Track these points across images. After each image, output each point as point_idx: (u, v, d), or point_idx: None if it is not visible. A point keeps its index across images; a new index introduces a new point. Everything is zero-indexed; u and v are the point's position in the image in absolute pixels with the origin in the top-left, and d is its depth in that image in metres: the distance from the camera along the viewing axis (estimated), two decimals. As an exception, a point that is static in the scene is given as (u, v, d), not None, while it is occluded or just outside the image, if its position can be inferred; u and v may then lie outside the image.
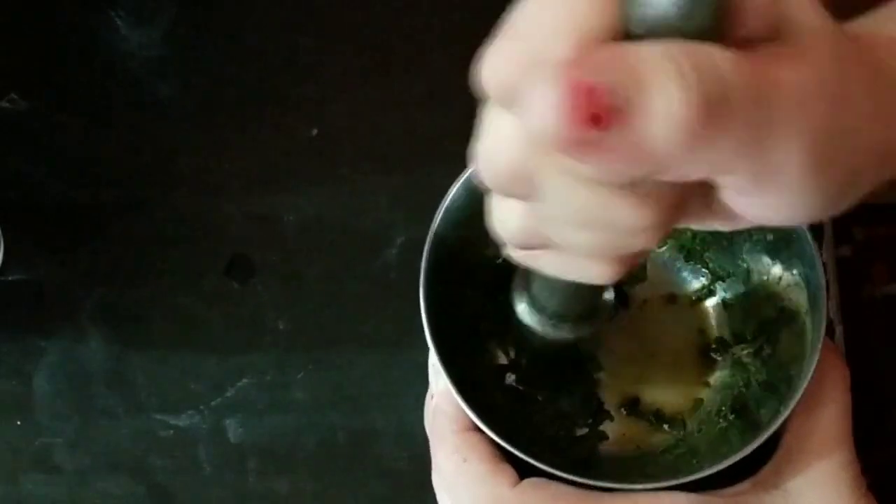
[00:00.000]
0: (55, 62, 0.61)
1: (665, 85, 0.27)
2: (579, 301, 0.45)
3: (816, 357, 0.43)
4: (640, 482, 0.43)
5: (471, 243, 0.48)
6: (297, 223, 0.58)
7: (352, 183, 0.59)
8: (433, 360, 0.45)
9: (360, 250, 0.58)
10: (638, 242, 0.31)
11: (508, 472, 0.44)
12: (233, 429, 0.55)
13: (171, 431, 0.55)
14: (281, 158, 0.59)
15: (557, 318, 0.46)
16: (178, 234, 0.58)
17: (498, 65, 0.30)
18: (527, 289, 0.46)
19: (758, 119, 0.28)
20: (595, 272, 0.33)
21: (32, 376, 0.56)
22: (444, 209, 0.47)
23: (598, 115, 0.26)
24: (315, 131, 0.60)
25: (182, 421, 0.55)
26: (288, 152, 0.60)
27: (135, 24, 0.61)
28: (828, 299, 0.45)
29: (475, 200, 0.47)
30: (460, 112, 0.59)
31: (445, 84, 0.60)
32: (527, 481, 0.44)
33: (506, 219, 0.34)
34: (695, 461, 0.47)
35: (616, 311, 0.49)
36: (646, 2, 0.27)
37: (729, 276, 0.50)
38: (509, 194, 0.32)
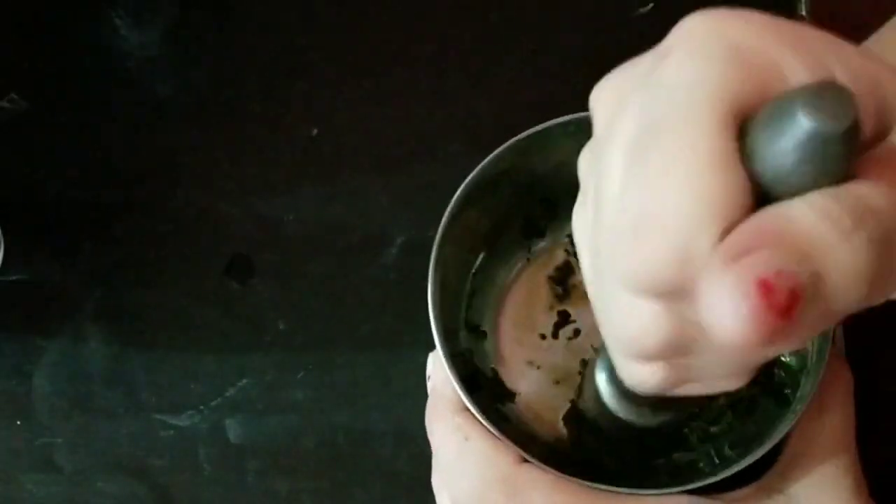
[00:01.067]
0: (55, 62, 0.61)
1: (837, 250, 0.26)
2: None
3: (824, 363, 0.43)
4: (645, 486, 0.43)
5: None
6: (297, 223, 0.58)
7: (352, 183, 0.59)
8: (435, 336, 0.45)
9: (360, 250, 0.58)
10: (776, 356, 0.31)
11: (512, 449, 0.43)
12: (233, 429, 0.55)
13: (171, 431, 0.55)
14: (281, 158, 0.59)
15: (650, 406, 0.45)
16: (178, 234, 0.58)
17: (645, 264, 0.28)
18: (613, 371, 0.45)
19: None
20: (730, 385, 0.33)
21: (32, 376, 0.56)
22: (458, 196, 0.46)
23: (787, 304, 0.26)
24: (315, 131, 0.60)
25: (182, 421, 0.55)
26: (288, 152, 0.60)
27: (135, 24, 0.61)
28: None
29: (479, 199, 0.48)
30: (460, 112, 0.59)
31: (445, 84, 0.60)
32: (529, 463, 0.43)
33: (648, 375, 0.33)
34: (694, 467, 0.47)
35: None
36: (776, 162, 0.27)
37: None
38: (656, 361, 0.32)
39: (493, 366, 0.50)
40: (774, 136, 0.27)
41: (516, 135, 0.47)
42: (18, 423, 0.56)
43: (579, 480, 0.42)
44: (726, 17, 0.29)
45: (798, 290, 0.26)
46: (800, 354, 0.47)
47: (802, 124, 0.26)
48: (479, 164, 0.47)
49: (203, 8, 0.62)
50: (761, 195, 0.27)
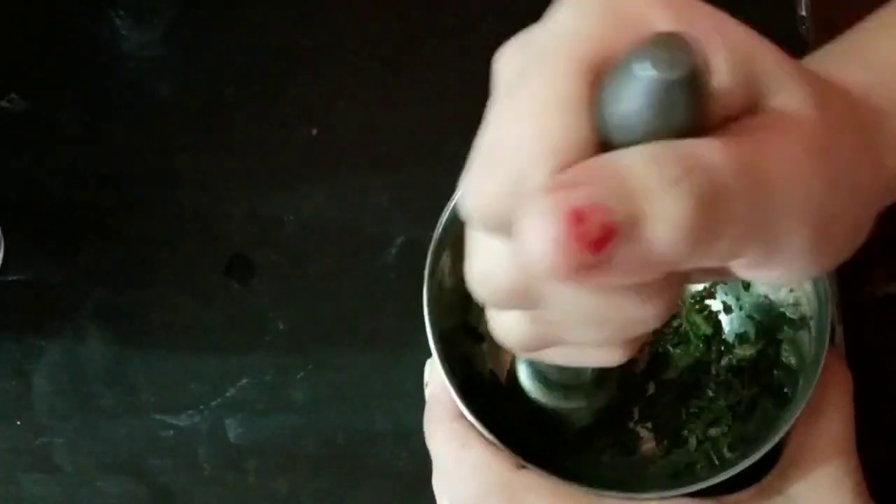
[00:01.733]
0: (55, 62, 0.61)
1: (659, 196, 0.26)
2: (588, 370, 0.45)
3: (821, 364, 0.43)
4: (644, 490, 0.43)
5: None
6: (297, 223, 0.58)
7: (352, 183, 0.59)
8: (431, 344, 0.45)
9: (360, 250, 0.58)
10: (647, 327, 0.30)
11: (510, 456, 0.43)
12: (233, 429, 0.55)
13: (171, 431, 0.55)
14: (281, 158, 0.59)
15: (561, 388, 0.45)
16: (178, 234, 0.58)
17: (480, 195, 0.29)
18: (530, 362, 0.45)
19: (756, 205, 0.28)
20: (605, 358, 0.33)
21: (32, 376, 0.56)
22: (450, 209, 0.46)
23: (597, 238, 0.26)
24: (315, 131, 0.60)
25: (182, 421, 0.55)
26: (288, 152, 0.59)
27: (135, 24, 0.61)
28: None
29: None
30: (460, 112, 0.59)
31: (446, 84, 0.60)
32: (527, 469, 0.43)
33: (509, 328, 0.33)
34: (693, 470, 0.47)
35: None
36: (619, 110, 0.27)
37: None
38: (510, 308, 0.32)
39: (491, 367, 0.50)
40: (619, 86, 0.27)
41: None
42: (18, 423, 0.56)
43: (577, 485, 0.42)
44: None
45: (611, 226, 0.26)
46: (799, 355, 0.47)
47: (639, 73, 0.26)
48: None
49: (203, 8, 0.62)
50: (609, 145, 0.28)
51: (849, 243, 0.32)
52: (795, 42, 0.59)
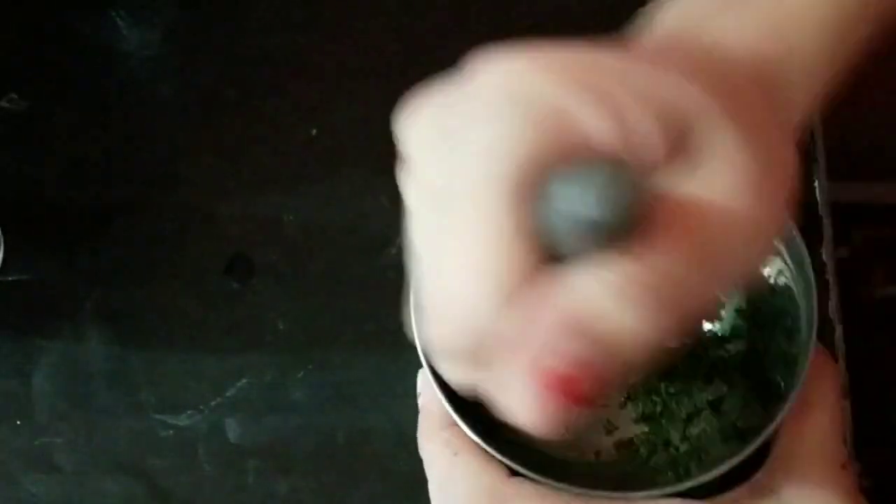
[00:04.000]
0: (55, 62, 0.61)
1: (621, 321, 0.28)
2: None
3: (808, 359, 0.43)
4: (637, 490, 0.43)
5: None
6: (297, 223, 0.58)
7: (352, 183, 0.59)
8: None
9: (360, 250, 0.58)
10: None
11: (501, 465, 0.44)
12: (233, 429, 0.55)
13: (171, 431, 0.55)
14: (281, 158, 0.59)
15: None
16: (178, 234, 0.58)
17: (439, 340, 0.31)
18: None
19: (708, 267, 0.30)
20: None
21: (32, 376, 0.56)
22: None
23: (576, 391, 0.28)
24: (315, 131, 0.60)
25: (182, 421, 0.55)
26: (288, 152, 0.60)
27: (135, 24, 0.61)
28: (828, 300, 0.45)
29: None
30: (460, 112, 0.59)
31: (445, 84, 0.60)
32: (518, 476, 0.43)
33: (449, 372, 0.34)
34: (682, 468, 0.47)
35: None
36: (561, 230, 0.28)
37: None
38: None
39: None
40: (558, 209, 0.28)
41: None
42: (18, 423, 0.56)
43: (567, 486, 0.42)
44: (514, 65, 0.30)
45: (585, 370, 0.28)
46: (789, 351, 0.47)
47: (575, 211, 0.27)
48: None
49: (203, 8, 0.62)
50: (550, 242, 0.29)
51: (788, 176, 0.33)
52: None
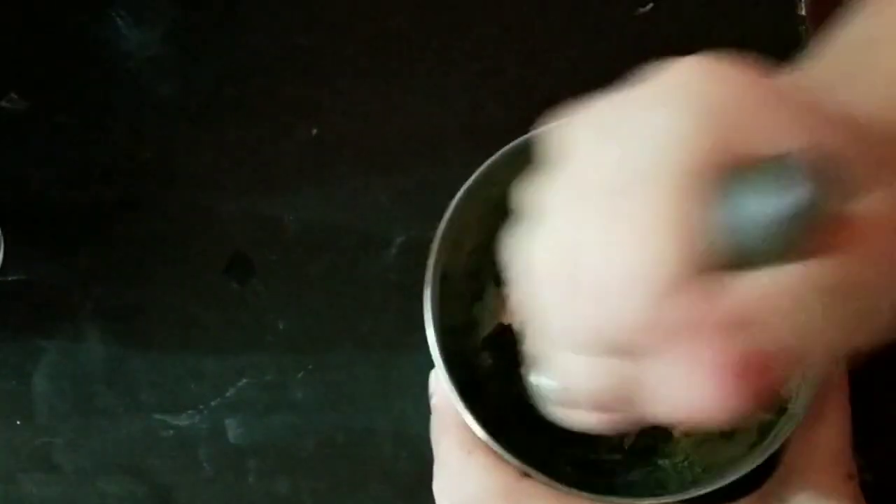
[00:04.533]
0: (55, 62, 0.61)
1: (801, 326, 0.28)
2: None
3: (820, 371, 0.43)
4: (645, 497, 0.43)
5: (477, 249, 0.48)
6: (297, 223, 0.58)
7: (352, 183, 0.59)
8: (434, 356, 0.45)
9: (360, 250, 0.58)
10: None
11: (514, 465, 0.44)
12: (233, 429, 0.55)
13: (171, 431, 0.55)
14: (281, 158, 0.59)
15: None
16: (177, 234, 0.58)
17: (579, 319, 0.30)
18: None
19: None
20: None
21: (32, 376, 0.56)
22: (452, 209, 0.46)
23: (757, 383, 0.29)
24: (315, 131, 0.60)
25: (182, 421, 0.55)
26: (288, 152, 0.59)
27: (135, 24, 0.61)
28: None
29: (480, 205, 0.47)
30: (460, 112, 0.59)
31: (446, 84, 0.60)
32: (530, 478, 0.44)
33: (577, 374, 0.33)
34: (693, 474, 0.47)
35: None
36: (744, 230, 0.28)
37: None
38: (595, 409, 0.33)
39: (495, 371, 0.50)
40: (744, 205, 0.27)
41: (517, 135, 0.47)
42: (18, 423, 0.56)
43: (578, 491, 0.42)
44: (709, 73, 0.30)
45: (767, 363, 0.28)
46: None
47: (760, 210, 0.27)
48: (479, 164, 0.47)
49: (203, 8, 0.62)
50: (728, 242, 0.28)
51: None
52: (795, 42, 0.59)
